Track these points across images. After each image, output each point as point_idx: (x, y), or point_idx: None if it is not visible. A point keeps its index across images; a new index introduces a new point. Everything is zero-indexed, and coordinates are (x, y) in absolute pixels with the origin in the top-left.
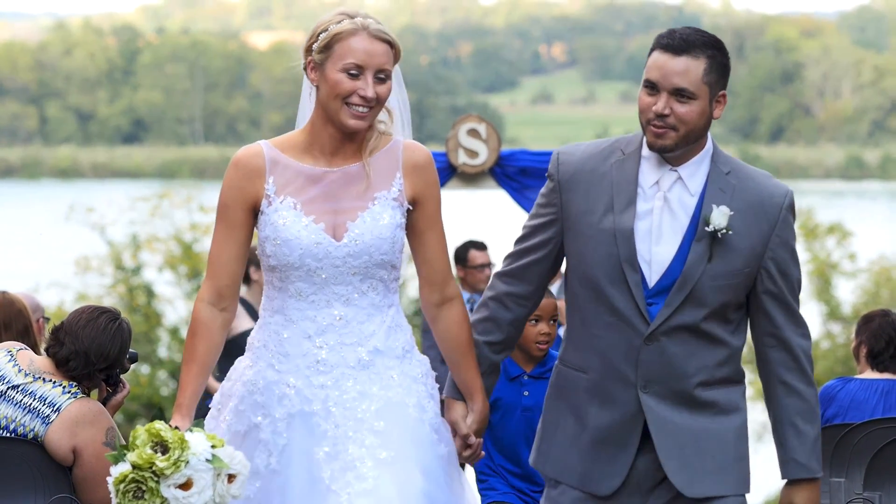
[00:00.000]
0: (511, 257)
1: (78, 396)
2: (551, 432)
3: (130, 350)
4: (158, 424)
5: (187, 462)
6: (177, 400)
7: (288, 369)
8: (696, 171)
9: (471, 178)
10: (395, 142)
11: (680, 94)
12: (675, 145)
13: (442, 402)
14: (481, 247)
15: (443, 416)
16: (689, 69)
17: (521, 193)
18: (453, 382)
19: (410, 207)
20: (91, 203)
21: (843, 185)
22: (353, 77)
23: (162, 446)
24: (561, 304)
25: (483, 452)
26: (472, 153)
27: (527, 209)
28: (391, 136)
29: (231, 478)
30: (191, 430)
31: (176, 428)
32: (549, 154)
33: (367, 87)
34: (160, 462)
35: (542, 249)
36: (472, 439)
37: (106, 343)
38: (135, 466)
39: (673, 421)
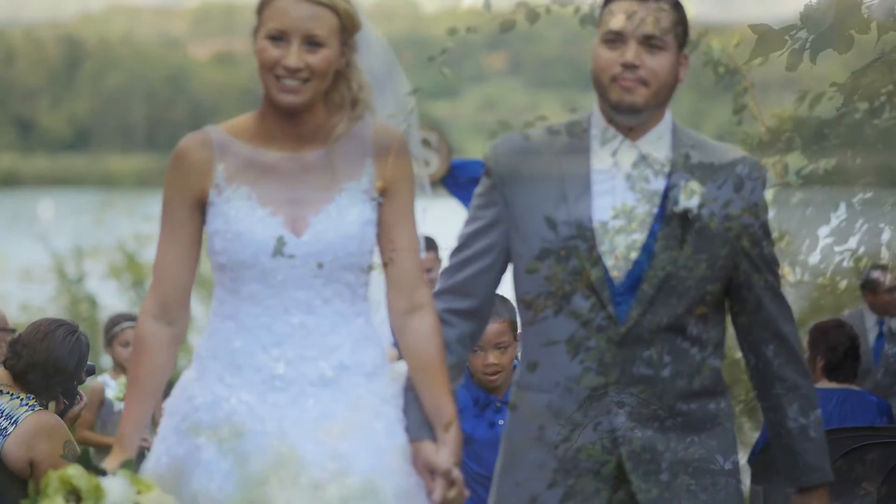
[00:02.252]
0: (449, 271)
1: (35, 409)
2: (510, 470)
3: (88, 363)
4: (72, 471)
5: None
6: (118, 428)
7: (240, 384)
8: (658, 145)
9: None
10: (364, 124)
11: (650, 42)
12: (644, 104)
13: None
14: None
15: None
16: (659, 16)
17: None
18: (418, 416)
19: (381, 200)
20: (33, 212)
21: (787, 193)
22: (277, 44)
23: (75, 495)
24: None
25: (468, 492)
26: (424, 162)
27: None
28: (360, 118)
29: None
30: (114, 473)
31: (100, 471)
32: None
33: (290, 55)
34: None
35: (486, 257)
36: (455, 473)
37: (64, 356)
38: None
39: (651, 441)
